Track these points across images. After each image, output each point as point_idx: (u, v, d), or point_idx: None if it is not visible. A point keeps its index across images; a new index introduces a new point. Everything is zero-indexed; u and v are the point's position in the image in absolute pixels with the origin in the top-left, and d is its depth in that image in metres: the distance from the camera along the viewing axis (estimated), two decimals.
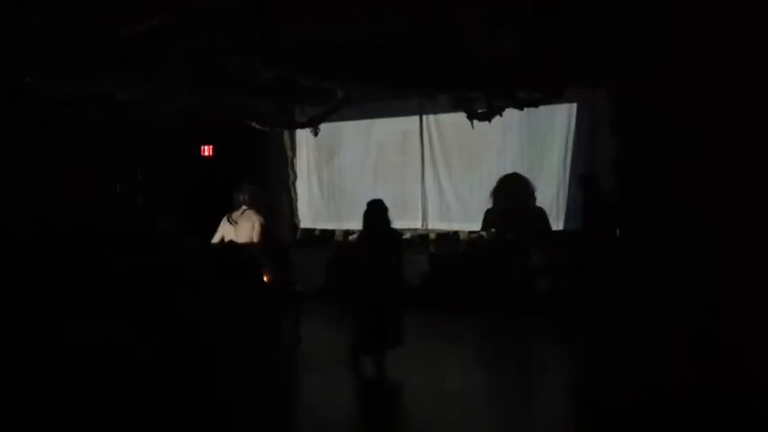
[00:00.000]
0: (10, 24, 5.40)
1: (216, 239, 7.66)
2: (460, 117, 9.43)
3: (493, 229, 10.19)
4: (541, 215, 9.94)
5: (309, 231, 12.01)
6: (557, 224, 9.99)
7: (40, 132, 10.32)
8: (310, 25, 5.85)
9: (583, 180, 9.27)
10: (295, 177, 12.05)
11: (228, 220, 7.62)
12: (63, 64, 6.47)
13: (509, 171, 10.33)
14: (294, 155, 12.05)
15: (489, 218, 10.24)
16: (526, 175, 10.14)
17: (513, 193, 10.10)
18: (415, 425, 5.77)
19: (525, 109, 9.04)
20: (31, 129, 10.12)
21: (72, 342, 6.49)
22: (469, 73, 7.61)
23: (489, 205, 10.27)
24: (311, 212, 12.00)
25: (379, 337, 6.93)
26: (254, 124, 10.35)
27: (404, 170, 11.15)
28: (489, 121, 9.24)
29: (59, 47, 5.97)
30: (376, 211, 7.07)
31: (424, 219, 11.08)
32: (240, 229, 7.51)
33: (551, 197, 10.05)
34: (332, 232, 11.75)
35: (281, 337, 7.68)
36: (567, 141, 9.97)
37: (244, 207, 7.60)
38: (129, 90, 8.29)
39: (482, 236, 10.35)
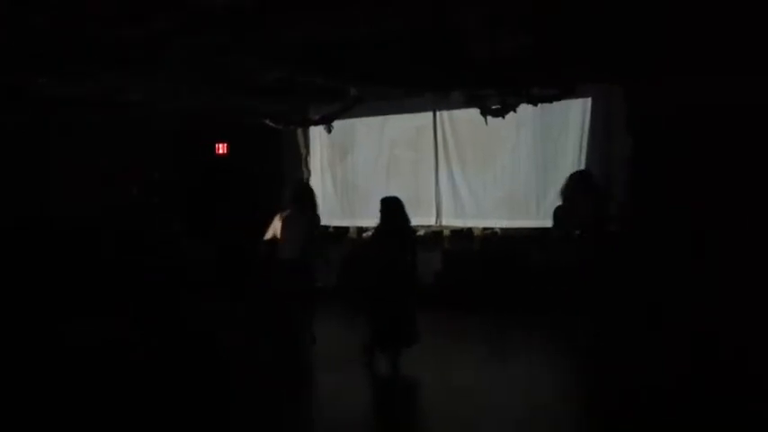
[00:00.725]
0: (14, 25, 5.40)
1: (268, 237, 7.57)
2: (474, 113, 9.36)
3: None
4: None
5: (323, 228, 11.97)
6: None
7: (51, 133, 10.37)
8: (320, 26, 5.80)
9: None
10: (309, 174, 12.04)
11: (282, 218, 7.48)
12: (75, 64, 6.51)
13: (523, 167, 10.24)
14: (308, 152, 12.06)
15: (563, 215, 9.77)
16: (541, 170, 10.09)
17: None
18: (429, 423, 5.74)
19: (539, 105, 8.97)
20: (42, 129, 10.18)
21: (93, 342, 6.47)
22: (480, 71, 7.53)
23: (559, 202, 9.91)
24: (325, 210, 11.88)
25: (395, 333, 6.88)
26: (268, 122, 10.35)
27: (417, 167, 11.11)
28: (503, 117, 9.17)
29: (85, 48, 5.98)
30: (394, 206, 7.03)
31: (438, 215, 11.04)
32: (294, 226, 7.34)
33: None
34: (346, 229, 11.74)
35: (297, 334, 7.65)
36: (581, 137, 9.86)
37: (298, 204, 7.46)
38: (141, 90, 8.32)
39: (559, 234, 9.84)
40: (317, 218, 7.43)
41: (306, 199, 7.49)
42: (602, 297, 8.22)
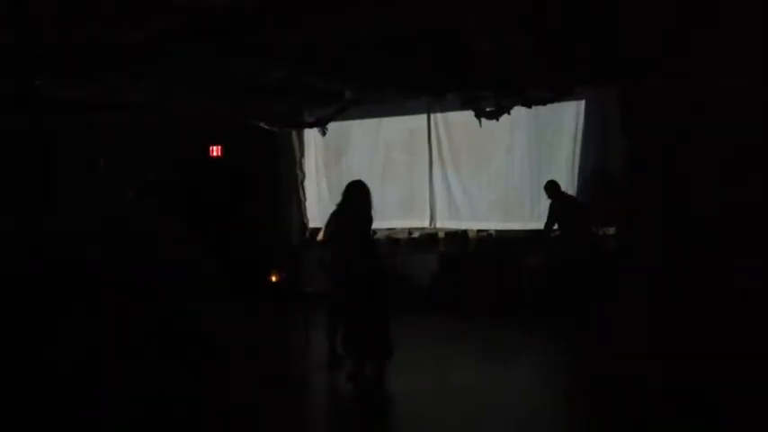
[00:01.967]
0: (14, 26, 5.39)
1: (321, 237, 7.49)
2: (468, 116, 9.40)
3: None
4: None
5: (318, 231, 11.98)
6: None
7: (50, 135, 10.33)
8: (320, 26, 5.81)
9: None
10: (303, 177, 12.03)
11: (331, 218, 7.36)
12: (75, 66, 6.50)
13: (517, 169, 10.31)
14: (302, 155, 12.04)
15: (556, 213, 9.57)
16: (535, 172, 10.22)
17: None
18: (430, 425, 5.69)
19: (533, 107, 9.02)
20: (41, 131, 10.14)
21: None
22: (477, 72, 7.55)
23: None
24: (320, 212, 11.94)
25: (364, 343, 6.31)
26: (262, 124, 10.34)
27: (412, 169, 11.14)
28: (497, 119, 9.21)
29: (79, 52, 5.97)
30: (358, 192, 6.57)
31: (433, 217, 11.06)
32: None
33: None
34: None
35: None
36: (575, 139, 9.94)
37: (344, 203, 7.33)
38: (137, 92, 8.30)
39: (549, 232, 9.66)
40: (367, 217, 7.17)
41: (354, 197, 7.28)
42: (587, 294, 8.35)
